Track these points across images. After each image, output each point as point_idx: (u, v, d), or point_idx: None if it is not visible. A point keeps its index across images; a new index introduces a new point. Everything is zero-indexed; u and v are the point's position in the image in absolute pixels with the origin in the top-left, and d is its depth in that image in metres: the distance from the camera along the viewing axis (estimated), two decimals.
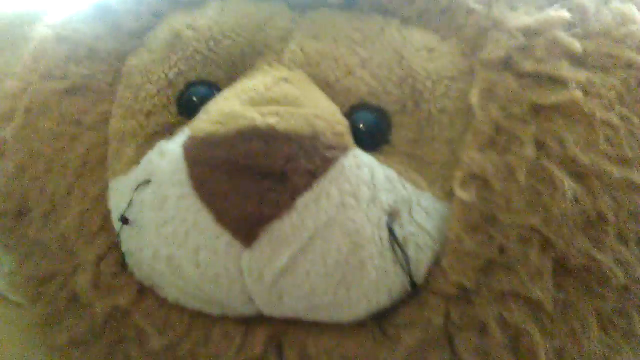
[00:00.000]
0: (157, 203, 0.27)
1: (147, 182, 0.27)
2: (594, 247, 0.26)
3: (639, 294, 0.27)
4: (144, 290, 0.29)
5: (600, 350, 0.27)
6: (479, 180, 0.26)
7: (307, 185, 0.25)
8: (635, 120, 0.27)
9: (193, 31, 0.30)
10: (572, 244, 0.26)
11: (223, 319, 0.29)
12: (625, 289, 0.26)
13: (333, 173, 0.25)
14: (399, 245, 0.26)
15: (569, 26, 0.28)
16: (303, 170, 0.25)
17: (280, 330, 0.29)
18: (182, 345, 0.29)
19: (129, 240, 0.28)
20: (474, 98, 0.27)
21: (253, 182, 0.25)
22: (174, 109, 0.30)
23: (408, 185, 0.27)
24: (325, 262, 0.25)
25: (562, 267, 0.26)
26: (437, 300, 0.27)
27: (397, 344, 0.27)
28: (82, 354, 0.32)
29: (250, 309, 0.28)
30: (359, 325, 0.28)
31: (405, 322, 0.27)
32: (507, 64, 0.27)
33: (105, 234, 0.30)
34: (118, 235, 0.29)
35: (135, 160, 0.29)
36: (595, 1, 0.29)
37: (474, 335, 0.26)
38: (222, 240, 0.25)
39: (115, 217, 0.29)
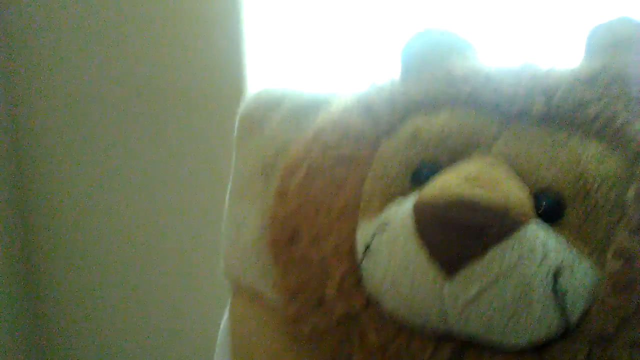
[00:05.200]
0: (391, 240, 0.42)
1: (386, 224, 0.43)
2: None
3: None
4: (370, 301, 0.44)
5: None
6: (627, 255, 0.37)
7: (497, 242, 0.38)
8: None
9: (430, 128, 0.46)
10: None
11: (422, 331, 0.43)
12: None
13: (517, 235, 0.38)
14: (560, 294, 0.38)
15: None
16: (495, 230, 0.38)
17: (462, 348, 0.42)
18: (390, 346, 0.43)
19: (368, 264, 0.44)
20: (630, 195, 0.38)
21: (459, 235, 0.38)
22: (409, 179, 0.45)
23: (573, 251, 0.39)
24: (503, 297, 0.38)
25: None
26: (583, 340, 0.38)
27: None
28: (318, 344, 0.48)
29: (443, 327, 0.41)
30: (522, 353, 0.40)
31: (557, 354, 0.39)
32: None
33: (351, 258, 0.45)
34: (361, 260, 0.44)
35: (379, 210, 0.44)
36: None
37: None
38: (432, 271, 0.39)
39: (360, 246, 0.45)
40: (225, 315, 0.61)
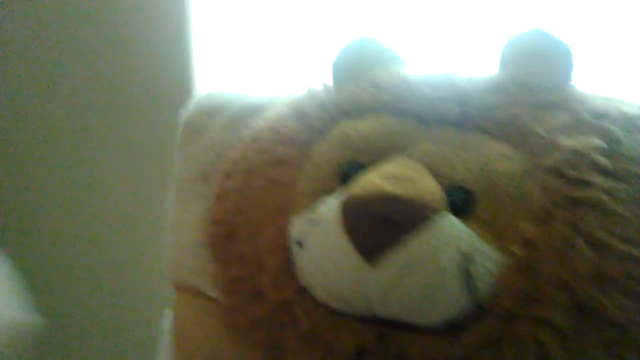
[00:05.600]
0: (320, 234, 0.46)
1: (316, 220, 0.47)
2: (603, 295, 0.41)
3: (635, 332, 0.41)
4: (302, 290, 0.48)
5: None
6: (529, 243, 0.42)
7: (412, 231, 0.42)
8: None
9: (356, 132, 0.50)
10: (587, 291, 0.41)
11: (349, 316, 0.47)
12: (624, 327, 0.41)
13: (430, 225, 0.42)
14: (469, 278, 0.42)
15: (604, 149, 0.44)
16: (410, 221, 0.42)
17: (386, 328, 0.46)
18: (320, 330, 0.47)
19: (299, 256, 0.47)
20: (532, 190, 0.44)
21: (379, 226, 0.42)
22: (337, 178, 0.49)
23: (481, 241, 0.43)
24: (419, 282, 0.42)
25: (579, 306, 0.41)
26: (492, 318, 0.43)
27: (461, 345, 0.43)
28: (255, 332, 0.51)
29: (368, 310, 0.45)
30: (438, 330, 0.44)
31: (468, 331, 0.43)
32: (557, 171, 0.44)
33: (285, 251, 0.49)
34: (293, 253, 0.48)
35: (310, 207, 0.48)
36: (625, 134, 0.45)
37: (514, 345, 0.42)
38: (356, 260, 0.43)
39: (293, 241, 0.48)
40: (169, 313, 0.64)
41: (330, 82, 0.56)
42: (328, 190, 0.49)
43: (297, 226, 0.49)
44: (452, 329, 0.44)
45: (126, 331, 1.15)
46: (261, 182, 0.52)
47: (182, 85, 1.03)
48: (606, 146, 0.44)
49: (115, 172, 1.12)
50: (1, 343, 0.69)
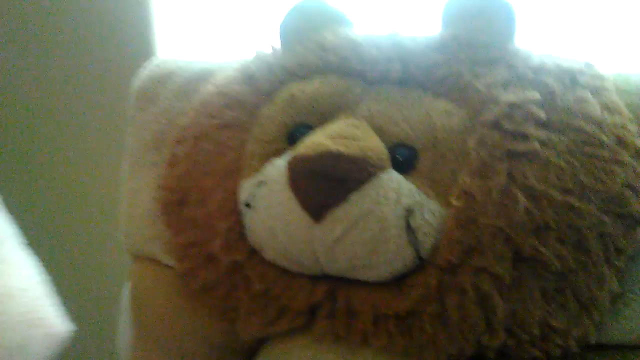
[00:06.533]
0: (268, 195, 0.46)
1: (263, 182, 0.47)
2: (540, 244, 0.42)
3: (572, 279, 0.43)
4: (253, 252, 0.49)
5: (541, 314, 0.43)
6: (468, 195, 0.44)
7: (357, 188, 0.43)
8: (577, 164, 0.43)
9: (303, 94, 0.51)
10: (525, 240, 0.42)
11: (300, 275, 0.48)
12: (562, 274, 0.43)
13: (374, 182, 0.43)
14: (412, 231, 0.44)
15: (541, 102, 0.45)
16: (355, 178, 0.43)
17: (335, 285, 0.47)
18: (272, 290, 0.49)
19: (248, 218, 0.48)
20: (471, 144, 0.45)
21: (324, 183, 0.43)
22: (284, 140, 0.50)
23: (422, 195, 0.45)
24: (363, 236, 0.44)
25: (518, 255, 0.43)
26: (434, 270, 0.44)
27: (407, 297, 0.45)
28: (209, 296, 0.52)
29: (317, 268, 0.47)
30: (384, 284, 0.46)
31: (413, 283, 0.45)
32: (495, 124, 0.45)
33: (234, 215, 0.50)
34: (242, 215, 0.49)
35: (258, 169, 0.49)
36: (563, 87, 0.46)
37: (457, 295, 0.43)
38: (303, 218, 0.44)
39: (241, 203, 0.49)
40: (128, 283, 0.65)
41: (278, 44, 0.57)
42: (276, 152, 0.50)
43: (246, 188, 0.49)
44: (397, 283, 0.46)
45: (87, 306, 1.15)
46: (210, 147, 0.53)
47: (143, 53, 1.01)
48: (542, 99, 0.45)
49: (71, 141, 1.10)
50: (38, 349, 0.70)
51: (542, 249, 0.42)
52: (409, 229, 0.44)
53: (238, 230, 0.50)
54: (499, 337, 0.44)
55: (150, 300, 0.59)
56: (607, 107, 0.46)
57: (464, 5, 0.52)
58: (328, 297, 0.47)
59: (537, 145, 0.44)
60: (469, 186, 0.44)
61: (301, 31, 0.55)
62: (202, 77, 0.61)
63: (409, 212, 0.44)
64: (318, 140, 0.45)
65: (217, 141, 0.52)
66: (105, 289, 0.90)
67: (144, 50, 1.01)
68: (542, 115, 0.45)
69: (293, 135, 0.50)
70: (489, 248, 0.43)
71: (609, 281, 0.44)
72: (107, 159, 1.03)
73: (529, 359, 0.45)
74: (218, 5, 0.98)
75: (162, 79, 0.64)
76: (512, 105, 0.45)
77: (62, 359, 0.77)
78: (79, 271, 1.14)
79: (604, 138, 0.45)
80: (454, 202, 0.44)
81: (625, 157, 0.45)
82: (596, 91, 0.47)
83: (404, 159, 0.46)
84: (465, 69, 0.48)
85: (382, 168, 0.44)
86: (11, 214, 0.89)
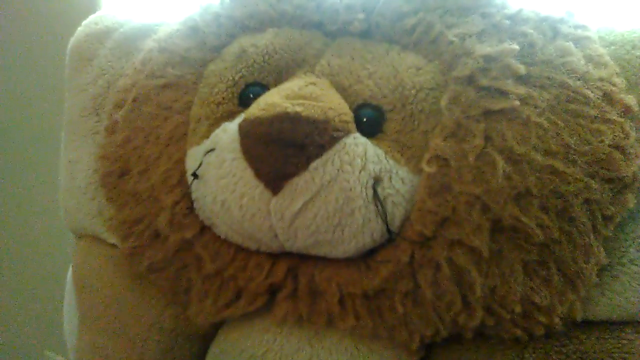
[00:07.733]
0: (218, 163, 0.42)
1: (213, 150, 0.42)
2: (521, 212, 0.38)
3: (556, 251, 0.39)
4: (204, 228, 0.44)
5: (523, 290, 0.39)
6: (441, 160, 0.40)
7: (318, 154, 0.39)
8: (560, 123, 0.39)
9: (255, 48, 0.45)
10: (505, 209, 0.38)
11: (258, 252, 0.44)
12: (545, 246, 0.39)
13: (337, 147, 0.39)
14: (380, 202, 0.39)
15: (520, 55, 0.41)
16: (316, 143, 0.39)
17: (297, 263, 0.43)
18: (227, 270, 0.44)
19: (197, 190, 0.43)
20: (444, 102, 0.40)
21: (281, 150, 0.39)
22: (236, 101, 0.45)
23: (391, 161, 0.40)
24: (326, 208, 0.39)
25: (497, 226, 0.39)
26: (405, 244, 0.40)
27: (376, 274, 0.40)
28: (157, 277, 0.47)
29: (276, 245, 0.42)
30: (351, 261, 0.41)
31: (382, 259, 0.41)
32: (470, 80, 0.40)
33: (181, 187, 0.45)
34: (190, 187, 0.44)
35: (206, 135, 0.44)
36: (543, 38, 0.42)
37: (430, 271, 0.39)
38: (258, 189, 0.40)
39: (189, 173, 0.44)
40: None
41: None
42: (226, 116, 0.45)
43: (193, 157, 0.44)
44: (365, 259, 0.42)
45: (34, 288, 1.11)
46: (152, 110, 0.47)
47: (86, 8, 0.94)
48: (521, 50, 0.41)
49: (9, 103, 1.04)
50: None
51: (523, 218, 0.38)
52: (377, 198, 0.39)
53: (186, 205, 0.45)
54: (477, 316, 0.40)
55: (94, 281, 0.53)
56: (592, 60, 0.42)
57: None
58: (289, 276, 0.43)
59: (516, 102, 0.39)
60: (442, 150, 0.40)
61: None
62: (145, 33, 0.55)
63: (377, 180, 0.40)
64: (273, 101, 0.40)
65: (160, 104, 0.47)
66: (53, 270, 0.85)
67: (88, 6, 0.94)
68: (521, 69, 0.40)
69: (245, 96, 0.45)
70: (465, 218, 0.39)
71: (595, 252, 0.40)
72: (49, 124, 0.97)
73: (510, 339, 0.41)
74: None
75: (101, 37, 0.58)
76: (488, 58, 0.40)
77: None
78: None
79: (589, 94, 0.40)
80: (426, 167, 0.40)
81: (613, 114, 0.40)
82: (579, 42, 0.43)
83: (370, 121, 0.41)
84: (435, 19, 0.43)
85: (346, 131, 0.40)
86: None
